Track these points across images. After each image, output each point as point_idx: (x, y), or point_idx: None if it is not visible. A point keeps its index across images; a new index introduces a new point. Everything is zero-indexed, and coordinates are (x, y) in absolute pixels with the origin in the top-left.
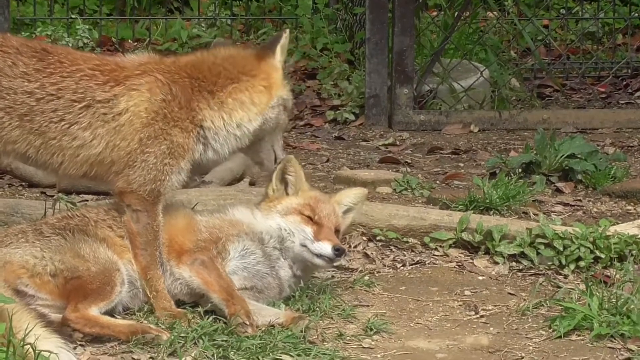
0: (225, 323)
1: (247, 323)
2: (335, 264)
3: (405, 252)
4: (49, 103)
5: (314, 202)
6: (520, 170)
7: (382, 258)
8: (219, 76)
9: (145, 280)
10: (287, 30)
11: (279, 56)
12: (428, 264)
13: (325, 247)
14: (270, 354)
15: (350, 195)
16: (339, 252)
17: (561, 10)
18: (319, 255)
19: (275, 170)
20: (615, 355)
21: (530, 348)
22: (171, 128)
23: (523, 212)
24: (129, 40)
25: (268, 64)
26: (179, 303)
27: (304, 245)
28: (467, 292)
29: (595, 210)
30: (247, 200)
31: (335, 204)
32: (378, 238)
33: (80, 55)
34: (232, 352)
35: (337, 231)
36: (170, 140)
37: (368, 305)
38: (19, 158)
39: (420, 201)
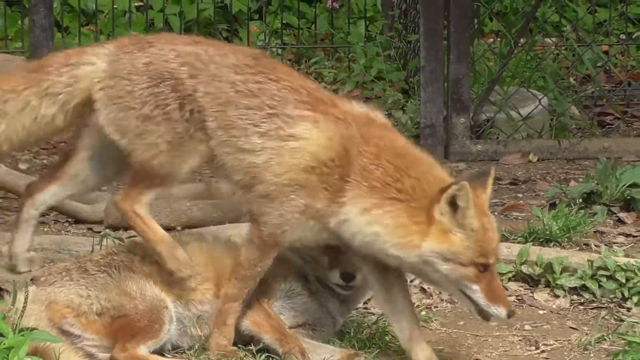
0: None
1: None
2: (349, 289)
3: None
4: (246, 98)
5: None
6: (580, 200)
7: (440, 292)
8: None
9: (221, 308)
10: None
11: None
12: None
13: (334, 275)
14: None
15: None
16: (346, 278)
17: (621, 35)
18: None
19: None
20: None
21: None
22: (319, 189)
23: (584, 244)
24: None
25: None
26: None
27: None
28: (527, 327)
29: None
30: None
31: None
32: None
33: (299, 75)
34: None
35: None
36: (312, 199)
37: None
38: None
39: None
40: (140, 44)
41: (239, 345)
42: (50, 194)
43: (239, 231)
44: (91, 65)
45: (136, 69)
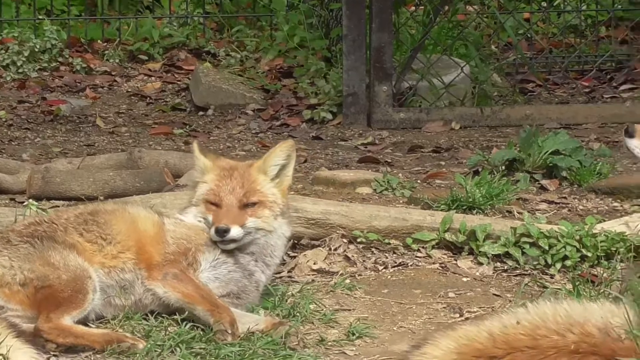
0: (203, 330)
1: (229, 331)
2: (227, 243)
3: (387, 254)
4: None
5: (216, 183)
6: (503, 167)
7: (364, 260)
8: None
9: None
10: None
11: None
12: (410, 265)
13: (212, 232)
14: None
15: (276, 155)
16: (219, 233)
17: (542, 3)
18: (215, 242)
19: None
20: None
21: None
22: None
23: (507, 211)
24: (99, 41)
25: None
26: (152, 313)
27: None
28: (451, 294)
29: (581, 207)
30: None
31: (255, 172)
32: (359, 240)
33: None
34: None
35: (252, 204)
36: None
37: (350, 310)
38: None
39: (401, 201)
40: None
41: (164, 315)
42: None
43: (162, 200)
44: None
45: None
